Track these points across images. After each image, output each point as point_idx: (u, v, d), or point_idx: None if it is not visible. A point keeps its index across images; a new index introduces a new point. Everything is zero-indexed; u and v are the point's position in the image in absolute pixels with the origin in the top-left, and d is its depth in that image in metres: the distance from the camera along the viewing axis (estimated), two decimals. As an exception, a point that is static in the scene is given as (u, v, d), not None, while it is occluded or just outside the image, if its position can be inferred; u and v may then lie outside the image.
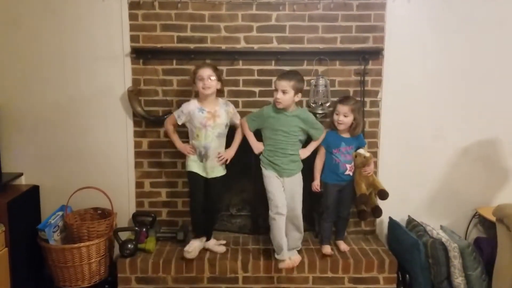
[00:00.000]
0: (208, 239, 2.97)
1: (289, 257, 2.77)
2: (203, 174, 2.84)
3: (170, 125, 2.87)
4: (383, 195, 2.87)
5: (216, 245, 2.98)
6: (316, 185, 2.93)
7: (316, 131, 2.88)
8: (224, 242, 3.04)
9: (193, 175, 2.84)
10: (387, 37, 3.02)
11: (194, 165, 2.84)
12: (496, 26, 3.05)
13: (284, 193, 2.81)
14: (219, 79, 2.82)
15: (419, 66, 3.07)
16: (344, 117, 2.85)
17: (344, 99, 2.88)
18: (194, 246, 2.85)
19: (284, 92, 2.73)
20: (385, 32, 3.02)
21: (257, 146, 2.89)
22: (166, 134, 2.97)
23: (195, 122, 2.79)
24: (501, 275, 2.69)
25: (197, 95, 2.85)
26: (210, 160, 2.82)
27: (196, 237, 2.91)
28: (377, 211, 2.97)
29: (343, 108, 2.84)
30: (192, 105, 2.82)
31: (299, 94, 2.78)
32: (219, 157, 2.83)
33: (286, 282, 2.83)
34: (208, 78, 2.74)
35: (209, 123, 2.79)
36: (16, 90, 3.05)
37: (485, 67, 3.08)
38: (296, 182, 2.85)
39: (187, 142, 2.91)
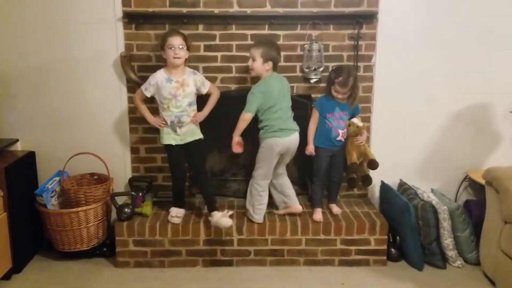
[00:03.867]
0: (211, 211, 2.87)
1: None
2: (179, 142, 2.83)
3: (139, 100, 2.85)
4: (373, 165, 2.91)
5: (222, 217, 2.80)
6: (310, 148, 2.96)
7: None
8: (230, 212, 2.87)
9: (170, 148, 2.85)
10: (381, 0, 2.98)
11: (168, 138, 2.82)
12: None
13: None
14: (188, 48, 2.78)
15: (413, 30, 3.05)
16: (343, 94, 2.85)
17: (343, 81, 2.79)
18: (176, 211, 2.93)
19: (253, 59, 2.75)
20: (379, -5, 2.99)
21: None
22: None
23: (163, 93, 2.76)
24: (489, 236, 2.77)
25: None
26: (185, 126, 2.82)
27: (176, 206, 2.97)
28: (367, 180, 3.01)
29: (343, 90, 2.82)
30: (159, 76, 2.77)
31: (270, 63, 2.76)
32: (192, 118, 2.82)
33: (279, 244, 2.90)
34: (178, 46, 2.70)
35: (179, 92, 2.76)
36: (9, 56, 3.03)
37: (478, 31, 3.06)
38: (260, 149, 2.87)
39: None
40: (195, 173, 3.00)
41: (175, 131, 2.81)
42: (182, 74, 2.80)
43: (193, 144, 2.86)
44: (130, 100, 3.09)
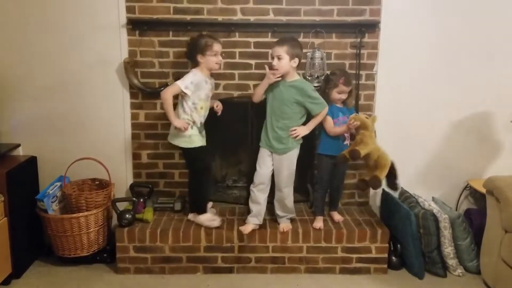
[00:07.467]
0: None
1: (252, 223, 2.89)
2: (205, 144, 2.84)
3: (171, 98, 2.67)
4: (375, 182, 2.73)
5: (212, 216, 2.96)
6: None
7: (314, 105, 2.77)
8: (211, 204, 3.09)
9: (201, 150, 2.81)
10: (383, 9, 3.01)
11: (198, 140, 2.80)
12: (493, 0, 3.06)
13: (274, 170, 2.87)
14: None
15: (415, 39, 3.08)
16: (346, 94, 2.88)
17: (346, 80, 2.84)
18: (208, 216, 2.92)
19: (279, 58, 2.70)
20: (381, 4, 3.00)
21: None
22: (162, 107, 2.90)
23: (201, 95, 2.74)
24: (489, 245, 2.77)
25: (194, 66, 2.80)
26: (203, 127, 2.85)
27: (203, 213, 2.94)
28: (375, 181, 2.74)
29: (348, 88, 2.86)
30: (199, 76, 2.72)
31: (296, 60, 2.72)
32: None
33: (280, 251, 2.90)
34: (220, 54, 2.75)
35: (211, 94, 2.82)
36: (12, 62, 3.03)
37: (480, 40, 3.09)
38: (283, 161, 2.84)
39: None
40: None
41: (201, 132, 2.83)
42: (211, 76, 2.85)
43: (207, 144, 2.90)
44: (133, 105, 3.10)
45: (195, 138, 2.79)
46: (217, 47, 2.73)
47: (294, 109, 2.78)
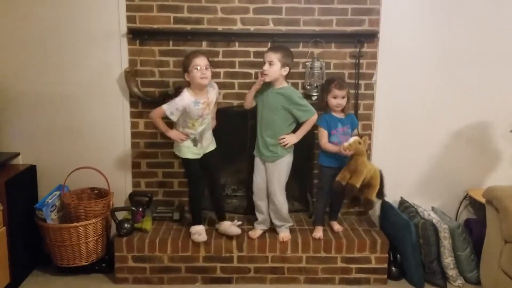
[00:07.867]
0: (221, 220, 2.96)
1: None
2: (198, 157, 2.83)
3: (159, 118, 2.73)
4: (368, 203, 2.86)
5: (231, 225, 2.92)
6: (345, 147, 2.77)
7: (301, 112, 2.77)
8: (239, 222, 2.97)
9: (190, 162, 2.83)
10: (382, 20, 3.03)
11: (188, 152, 2.80)
12: (491, 9, 3.07)
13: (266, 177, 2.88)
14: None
15: (414, 49, 3.09)
16: (342, 98, 2.87)
17: (339, 83, 2.85)
18: (198, 229, 2.89)
19: (270, 64, 2.71)
20: (380, 15, 3.02)
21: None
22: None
23: (192, 115, 2.73)
24: (489, 255, 2.76)
25: (188, 85, 2.77)
26: (204, 139, 2.83)
27: (197, 224, 2.92)
28: (369, 204, 2.89)
29: (341, 93, 2.85)
30: (186, 100, 2.69)
31: (286, 68, 2.74)
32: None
33: (280, 262, 2.89)
34: (205, 67, 2.69)
35: (205, 112, 2.77)
36: (12, 70, 3.04)
37: (478, 50, 3.10)
38: (274, 169, 2.84)
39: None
40: (211, 180, 2.95)
41: (195, 146, 2.81)
42: (206, 93, 2.78)
43: (210, 153, 2.88)
44: (133, 114, 3.11)
45: (184, 150, 2.81)
46: (198, 60, 2.66)
47: (282, 116, 2.79)
